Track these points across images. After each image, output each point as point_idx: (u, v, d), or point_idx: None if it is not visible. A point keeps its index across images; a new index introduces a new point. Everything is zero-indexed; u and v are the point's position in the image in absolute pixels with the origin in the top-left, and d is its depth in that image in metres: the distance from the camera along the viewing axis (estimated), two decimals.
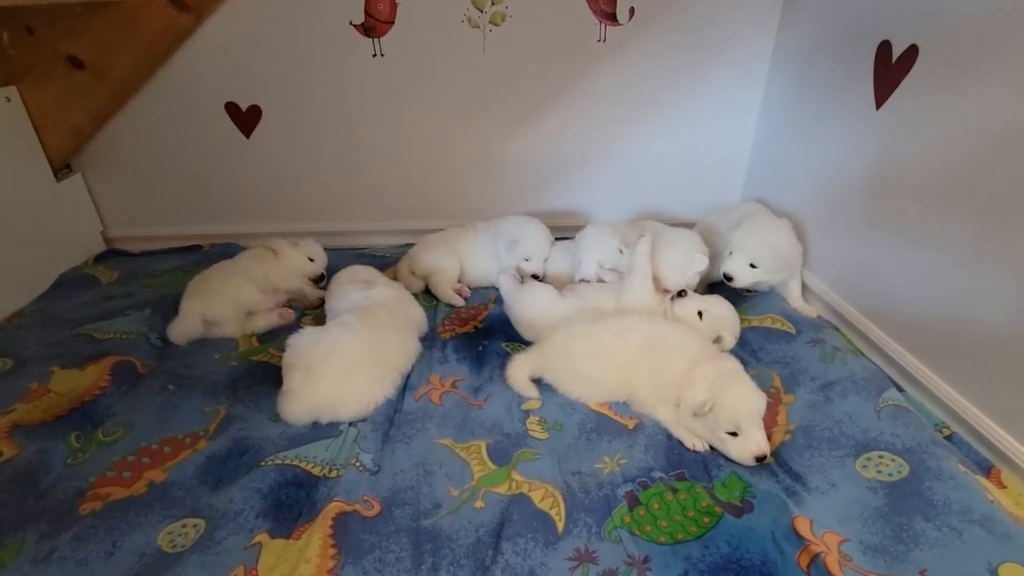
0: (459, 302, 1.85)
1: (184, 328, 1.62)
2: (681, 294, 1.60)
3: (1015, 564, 0.94)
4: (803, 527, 1.04)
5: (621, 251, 1.77)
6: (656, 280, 1.64)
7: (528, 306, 1.66)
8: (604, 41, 1.99)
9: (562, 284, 1.78)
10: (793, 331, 1.58)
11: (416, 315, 1.67)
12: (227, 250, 2.14)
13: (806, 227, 1.86)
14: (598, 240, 1.80)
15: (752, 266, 1.64)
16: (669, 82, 2.06)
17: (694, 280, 1.71)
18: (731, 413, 1.20)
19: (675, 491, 1.14)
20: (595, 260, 1.77)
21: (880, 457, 1.17)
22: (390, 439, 1.30)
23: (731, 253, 1.67)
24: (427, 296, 1.89)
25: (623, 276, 1.71)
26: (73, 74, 1.88)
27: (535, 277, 1.84)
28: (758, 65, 2.04)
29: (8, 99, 1.85)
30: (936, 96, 1.34)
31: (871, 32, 1.52)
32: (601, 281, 1.75)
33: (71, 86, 1.90)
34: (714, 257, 1.76)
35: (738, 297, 1.82)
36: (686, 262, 1.68)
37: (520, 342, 1.63)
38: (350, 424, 1.33)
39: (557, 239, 2.00)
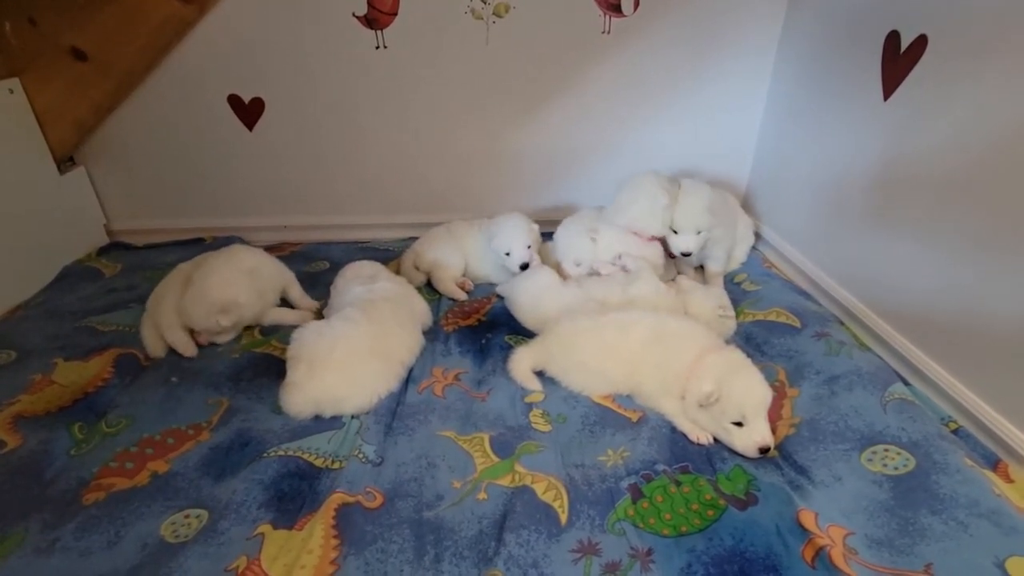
0: (461, 296, 1.84)
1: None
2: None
3: (1022, 558, 0.93)
4: (808, 520, 1.03)
5: (593, 239, 1.83)
6: (640, 233, 1.78)
7: (529, 287, 1.67)
8: (608, 33, 1.98)
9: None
10: (798, 324, 1.57)
11: (419, 309, 1.66)
12: (229, 243, 2.13)
13: (812, 220, 1.85)
14: (570, 242, 1.86)
15: (698, 232, 1.77)
16: (674, 74, 2.05)
17: (667, 217, 1.78)
18: (737, 403, 1.20)
19: (679, 484, 1.14)
20: (572, 260, 1.83)
21: (886, 451, 1.16)
22: (393, 431, 1.30)
23: (675, 232, 1.78)
24: (429, 290, 1.89)
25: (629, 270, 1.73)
26: (76, 66, 1.87)
27: (523, 268, 1.79)
28: (764, 56, 2.03)
29: (11, 91, 1.84)
30: (945, 87, 1.32)
31: (879, 22, 1.51)
32: (597, 273, 1.77)
33: (74, 78, 1.89)
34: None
35: (742, 293, 1.81)
36: (651, 203, 1.76)
37: (523, 335, 1.62)
38: (353, 416, 1.33)
39: None
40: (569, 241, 1.86)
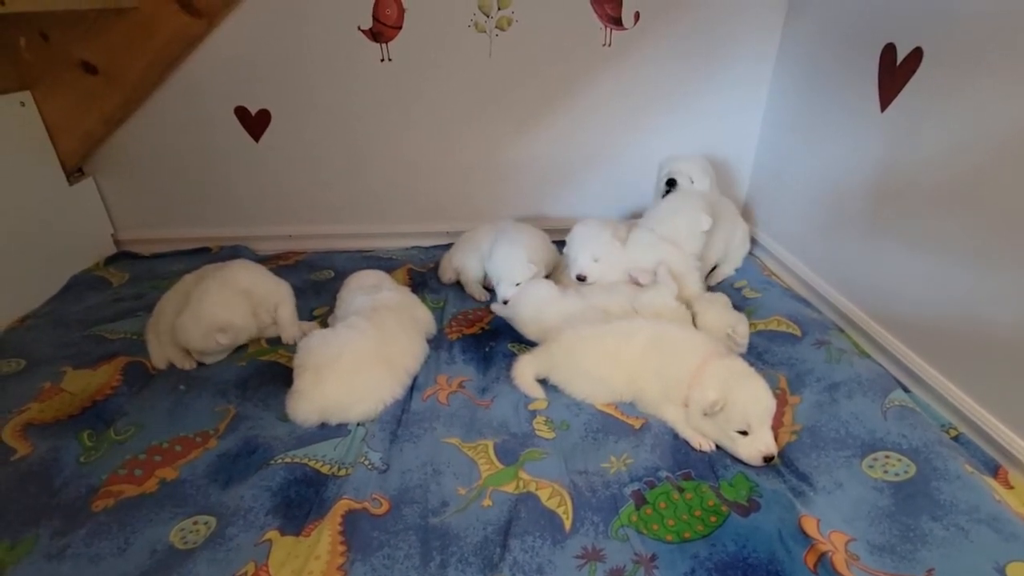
0: (483, 296, 1.89)
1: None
2: None
3: (1023, 563, 0.94)
4: (810, 526, 1.04)
5: (621, 240, 1.79)
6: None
7: (530, 298, 1.67)
8: (609, 45, 2.01)
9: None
10: (798, 333, 1.59)
11: (423, 317, 1.68)
12: (235, 252, 2.16)
13: (811, 228, 1.87)
14: (590, 234, 1.78)
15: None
16: (674, 85, 2.08)
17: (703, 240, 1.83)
18: (743, 412, 1.21)
19: (682, 490, 1.15)
20: (589, 255, 1.76)
21: (887, 457, 1.17)
22: (398, 438, 1.31)
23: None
24: (433, 297, 1.90)
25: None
26: (86, 79, 1.91)
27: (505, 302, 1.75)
28: (762, 68, 2.06)
29: (23, 104, 1.88)
30: (941, 98, 1.34)
31: (875, 35, 1.53)
32: (638, 283, 1.72)
33: (84, 91, 1.92)
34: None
35: (743, 300, 1.83)
36: (691, 224, 1.78)
37: (526, 343, 1.64)
38: (358, 423, 1.34)
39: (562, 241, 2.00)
40: (592, 234, 1.77)
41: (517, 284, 1.75)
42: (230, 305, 1.55)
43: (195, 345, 1.51)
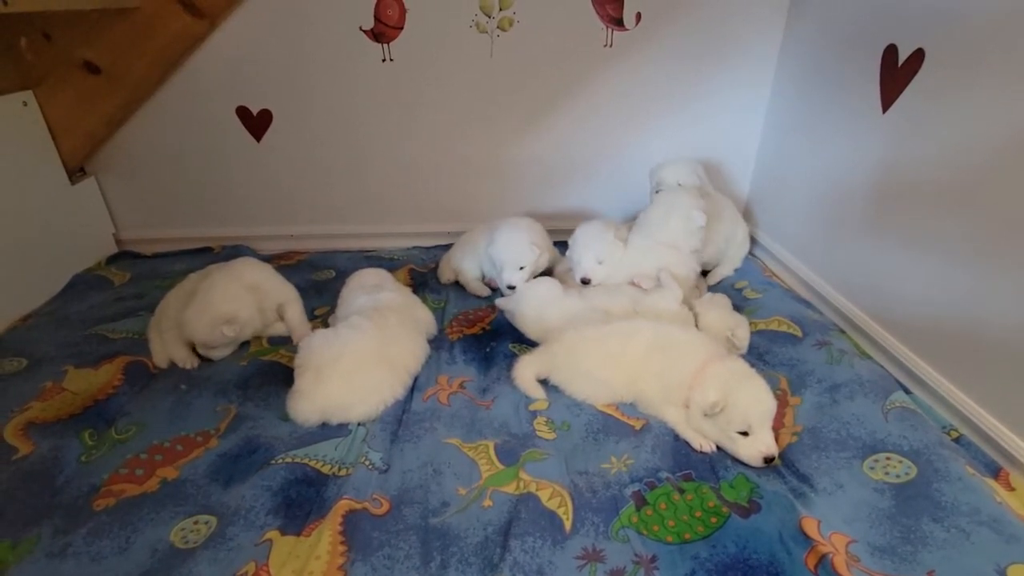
0: (485, 292, 1.90)
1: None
2: None
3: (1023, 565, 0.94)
4: (810, 528, 1.04)
5: (622, 241, 1.81)
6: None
7: (532, 297, 1.67)
8: (611, 46, 2.01)
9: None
10: (799, 334, 1.59)
11: (424, 318, 1.68)
12: (237, 252, 2.16)
13: (812, 228, 1.87)
14: (593, 236, 1.78)
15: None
16: (675, 86, 2.08)
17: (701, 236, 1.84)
18: (743, 413, 1.21)
19: (682, 491, 1.15)
20: (593, 256, 1.77)
21: (888, 459, 1.17)
22: (399, 439, 1.31)
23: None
24: (434, 297, 1.90)
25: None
26: (89, 79, 1.91)
27: (511, 288, 1.76)
28: (764, 69, 2.06)
29: (25, 104, 1.88)
30: (942, 99, 1.34)
31: (877, 36, 1.53)
32: (638, 286, 1.72)
33: (86, 91, 1.93)
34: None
35: (743, 300, 1.83)
36: (686, 222, 1.78)
37: (527, 343, 1.64)
38: (359, 424, 1.34)
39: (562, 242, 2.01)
40: (595, 236, 1.78)
41: (521, 268, 1.75)
42: (236, 298, 1.56)
43: (201, 338, 1.51)
